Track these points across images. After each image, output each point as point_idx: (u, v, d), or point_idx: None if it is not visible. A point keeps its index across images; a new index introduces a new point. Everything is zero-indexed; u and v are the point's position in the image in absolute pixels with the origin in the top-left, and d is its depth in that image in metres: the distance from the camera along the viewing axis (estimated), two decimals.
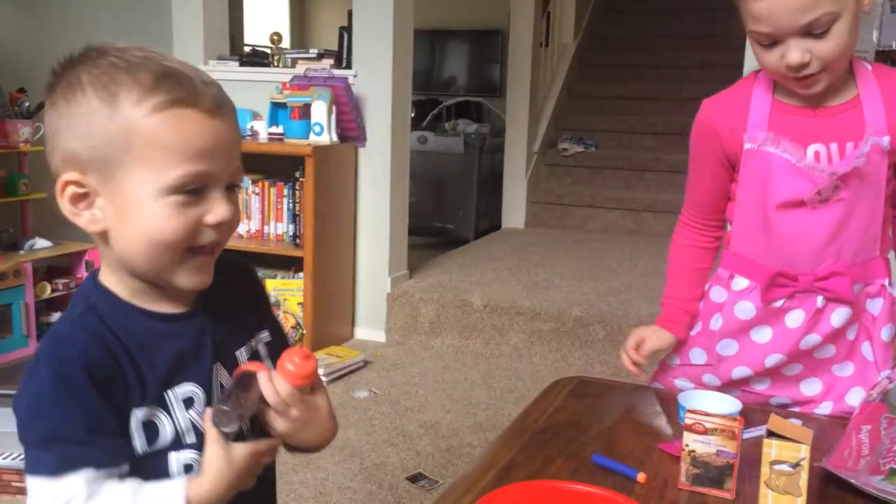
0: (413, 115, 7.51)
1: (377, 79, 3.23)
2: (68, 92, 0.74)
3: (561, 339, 3.13)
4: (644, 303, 3.17)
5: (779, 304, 1.21)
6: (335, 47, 3.43)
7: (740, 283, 1.25)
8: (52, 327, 0.80)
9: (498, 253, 4.21)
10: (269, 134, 3.20)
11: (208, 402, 0.81)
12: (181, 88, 0.74)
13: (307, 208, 3.07)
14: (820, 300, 1.19)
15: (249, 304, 0.91)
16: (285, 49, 3.67)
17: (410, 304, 3.36)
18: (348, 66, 3.29)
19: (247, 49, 4.21)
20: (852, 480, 0.95)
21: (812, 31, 1.05)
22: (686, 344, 1.35)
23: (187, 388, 0.80)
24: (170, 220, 0.74)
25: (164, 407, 0.78)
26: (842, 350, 1.23)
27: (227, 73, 3.34)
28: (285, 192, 3.23)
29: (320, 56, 3.33)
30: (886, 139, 1.11)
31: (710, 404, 1.12)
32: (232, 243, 3.26)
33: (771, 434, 0.93)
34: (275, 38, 3.65)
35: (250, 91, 3.32)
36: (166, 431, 0.78)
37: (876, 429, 1.05)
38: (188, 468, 0.79)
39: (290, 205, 3.23)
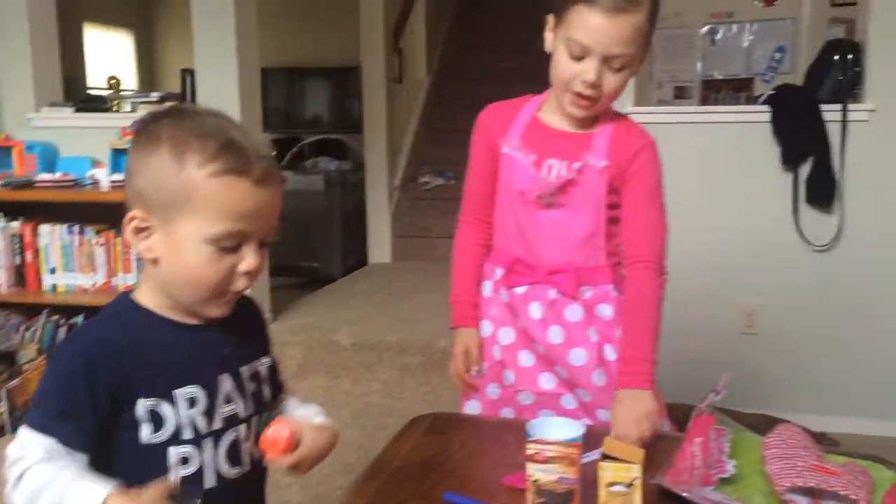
0: (273, 154, 7.42)
1: None
2: (149, 143, 0.90)
3: (430, 372, 3.13)
4: None
5: (520, 290, 1.38)
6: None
7: (498, 272, 1.42)
8: (77, 326, 0.95)
9: (365, 289, 4.19)
10: (112, 182, 3.04)
11: (210, 406, 0.94)
12: (237, 160, 0.89)
13: None
14: (552, 293, 1.36)
15: (255, 332, 1.06)
16: (126, 93, 3.52)
17: (275, 348, 3.26)
18: None
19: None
20: (685, 494, 0.99)
21: (611, 64, 1.26)
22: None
23: (192, 390, 0.93)
24: (209, 265, 0.90)
25: (171, 401, 0.92)
26: (593, 356, 1.36)
27: (61, 121, 3.16)
28: None
29: (163, 99, 3.22)
30: (603, 163, 1.32)
31: (555, 431, 1.14)
32: (77, 299, 3.06)
33: (605, 457, 0.96)
34: (113, 81, 3.50)
35: (90, 138, 3.15)
36: (170, 423, 0.91)
37: (706, 441, 1.10)
38: (184, 460, 0.93)
39: None
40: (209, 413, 0.95)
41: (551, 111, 1.38)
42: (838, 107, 2.62)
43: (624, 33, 1.23)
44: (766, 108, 2.71)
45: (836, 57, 2.66)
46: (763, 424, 1.27)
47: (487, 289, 1.45)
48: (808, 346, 2.74)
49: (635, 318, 1.32)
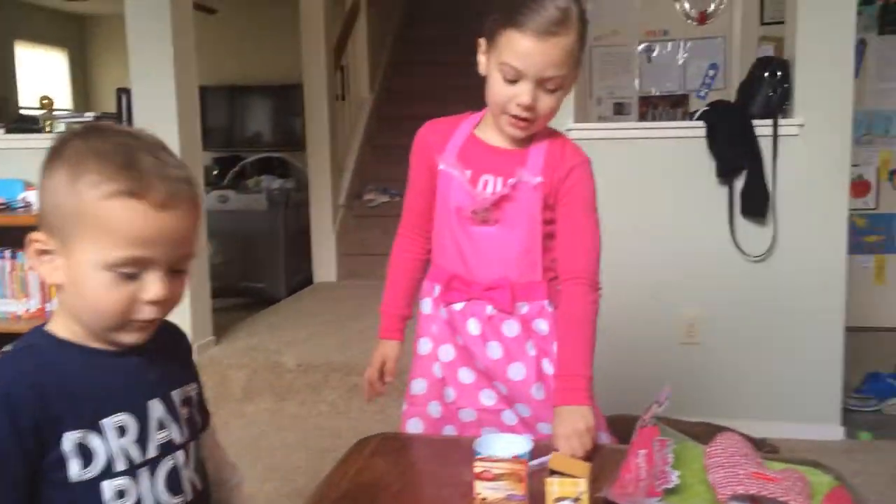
0: (216, 173, 7.32)
1: (162, 139, 3.09)
2: (52, 162, 0.86)
3: None
4: None
5: (458, 307, 1.39)
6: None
7: (437, 289, 1.42)
8: None
9: (310, 309, 4.14)
10: None
11: (142, 434, 0.90)
12: (136, 181, 0.83)
13: None
14: (489, 309, 1.37)
15: (181, 357, 1.02)
16: (60, 113, 3.43)
17: (219, 371, 3.20)
18: None
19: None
20: None
21: (545, 86, 1.28)
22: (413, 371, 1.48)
23: (120, 418, 0.88)
24: (108, 292, 0.85)
25: (99, 432, 0.86)
26: (531, 371, 1.37)
27: None
28: None
29: (97, 119, 3.15)
30: (538, 179, 1.33)
31: (502, 447, 1.15)
32: (10, 327, 2.96)
33: (553, 472, 0.96)
34: (45, 101, 3.40)
35: (21, 159, 3.06)
36: (100, 456, 0.86)
37: (650, 452, 1.12)
38: (120, 494, 0.87)
39: None
40: (142, 441, 0.90)
41: (488, 128, 1.39)
42: (769, 122, 2.70)
43: (555, 56, 1.25)
44: (700, 123, 2.79)
45: (766, 74, 2.75)
46: (706, 433, 1.28)
47: (428, 306, 1.45)
48: (747, 354, 2.81)
49: (570, 334, 1.34)
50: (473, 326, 1.38)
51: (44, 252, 0.87)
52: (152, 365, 0.93)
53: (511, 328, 1.37)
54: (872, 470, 2.46)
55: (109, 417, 0.87)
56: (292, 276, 4.94)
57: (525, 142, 1.37)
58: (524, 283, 1.36)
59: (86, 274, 0.85)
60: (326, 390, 3.14)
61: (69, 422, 0.84)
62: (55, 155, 0.87)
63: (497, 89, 1.30)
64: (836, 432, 2.74)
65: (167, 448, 0.93)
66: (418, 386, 1.46)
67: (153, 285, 0.86)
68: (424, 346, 1.45)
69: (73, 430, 0.84)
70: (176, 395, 0.96)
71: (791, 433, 2.70)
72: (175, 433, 0.94)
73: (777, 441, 2.47)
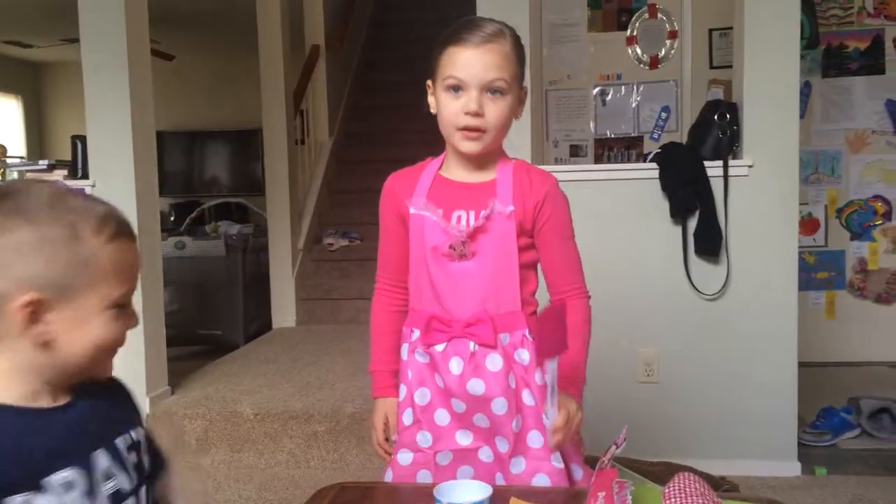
0: (173, 218, 7.23)
1: (118, 187, 3.06)
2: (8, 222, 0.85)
3: (338, 439, 3.06)
4: None
5: (440, 348, 1.39)
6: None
7: (415, 334, 1.42)
8: None
9: (269, 356, 4.08)
10: None
11: (89, 486, 0.88)
12: (114, 223, 0.90)
13: None
14: (472, 345, 1.37)
15: (122, 403, 1.01)
16: (13, 160, 3.38)
17: (174, 421, 3.12)
18: (85, 177, 3.09)
19: None
20: None
21: (490, 90, 1.33)
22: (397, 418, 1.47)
23: (65, 474, 0.87)
24: (110, 329, 0.91)
25: (45, 491, 0.85)
26: (512, 404, 1.38)
27: None
28: None
29: (51, 167, 3.12)
30: (510, 208, 1.36)
31: (463, 493, 1.14)
32: None
33: None
34: None
35: None
36: None
37: (609, 494, 1.11)
38: None
39: None
40: (91, 494, 0.89)
41: (452, 166, 1.43)
42: (719, 163, 2.77)
43: (494, 59, 1.32)
44: (653, 165, 2.84)
45: (716, 116, 2.83)
46: (666, 472, 1.29)
47: (404, 352, 1.45)
48: (705, 392, 2.84)
49: (581, 337, 1.42)
50: (455, 366, 1.38)
51: (36, 313, 0.86)
52: (94, 416, 0.93)
53: (494, 362, 1.38)
54: None
55: (54, 475, 0.86)
56: (250, 323, 4.87)
57: (489, 172, 1.41)
58: (503, 314, 1.38)
59: (91, 317, 0.89)
60: (285, 439, 3.08)
61: (11, 487, 0.83)
62: (18, 213, 0.86)
63: (446, 107, 1.36)
64: (792, 468, 2.77)
65: (117, 498, 0.92)
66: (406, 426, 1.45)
67: (134, 314, 0.94)
68: (400, 392, 1.45)
69: (16, 493, 0.83)
70: (120, 442, 0.95)
71: (749, 470, 2.71)
72: (123, 481, 0.93)
73: (736, 478, 2.48)
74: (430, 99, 1.40)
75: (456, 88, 1.34)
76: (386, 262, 1.50)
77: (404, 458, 1.43)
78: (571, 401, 1.34)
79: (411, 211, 1.40)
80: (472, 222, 1.37)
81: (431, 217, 1.38)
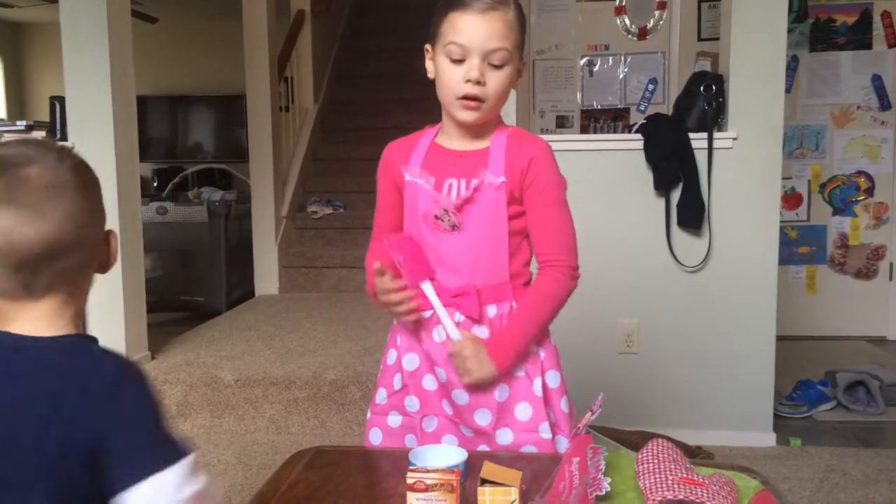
0: (156, 184, 7.16)
1: (97, 149, 3.01)
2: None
3: (318, 405, 3.06)
4: None
5: (427, 314, 1.39)
6: None
7: None
8: None
9: (250, 322, 4.07)
10: None
11: None
12: None
13: None
14: (458, 316, 1.37)
15: None
16: None
17: (154, 387, 3.11)
18: (63, 138, 3.04)
19: None
20: None
21: (492, 61, 1.31)
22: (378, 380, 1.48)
23: None
24: None
25: None
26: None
27: None
28: None
29: (30, 128, 3.06)
30: (501, 179, 1.35)
31: (438, 458, 1.14)
32: None
33: (484, 482, 0.96)
34: None
35: None
36: None
37: (583, 460, 1.12)
38: None
39: None
40: None
41: (448, 134, 1.42)
42: (704, 135, 2.77)
43: (497, 27, 1.30)
44: (638, 136, 2.83)
45: (702, 88, 2.82)
46: (642, 441, 1.29)
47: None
48: (684, 363, 2.86)
49: (528, 307, 1.38)
50: (437, 334, 1.39)
51: None
52: None
53: (481, 333, 1.37)
54: (801, 475, 2.52)
55: None
56: (233, 290, 4.86)
57: (484, 140, 1.40)
58: (491, 286, 1.38)
59: None
60: (265, 405, 3.08)
61: None
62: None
63: (446, 74, 1.34)
64: (768, 439, 2.80)
65: None
66: (380, 395, 1.46)
67: None
68: (391, 356, 1.46)
69: None
70: None
71: (725, 440, 2.75)
72: None
73: (712, 448, 2.52)
74: (429, 63, 1.39)
75: (457, 55, 1.32)
76: (381, 225, 1.50)
77: (394, 420, 1.44)
78: (487, 363, 1.33)
79: (406, 178, 1.40)
80: (462, 191, 1.36)
81: (424, 185, 1.38)
